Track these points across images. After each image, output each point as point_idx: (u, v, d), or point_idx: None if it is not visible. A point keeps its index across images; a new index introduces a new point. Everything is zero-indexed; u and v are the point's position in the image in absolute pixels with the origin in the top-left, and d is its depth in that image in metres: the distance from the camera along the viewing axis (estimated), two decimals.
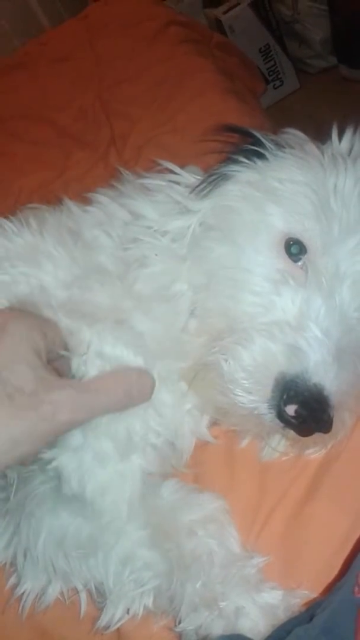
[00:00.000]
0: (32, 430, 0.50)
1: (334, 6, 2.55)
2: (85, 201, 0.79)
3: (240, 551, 0.64)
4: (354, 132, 0.73)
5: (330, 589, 0.57)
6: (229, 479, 0.69)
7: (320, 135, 0.75)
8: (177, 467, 0.70)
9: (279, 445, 0.67)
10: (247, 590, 0.59)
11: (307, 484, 0.66)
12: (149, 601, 0.63)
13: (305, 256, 0.64)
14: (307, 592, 0.60)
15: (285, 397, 0.57)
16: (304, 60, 2.83)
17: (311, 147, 0.71)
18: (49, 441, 0.53)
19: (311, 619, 0.48)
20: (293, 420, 0.58)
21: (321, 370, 0.58)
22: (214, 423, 0.70)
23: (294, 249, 0.64)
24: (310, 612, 0.51)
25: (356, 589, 0.45)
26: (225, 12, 2.60)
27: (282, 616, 0.57)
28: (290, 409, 0.57)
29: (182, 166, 0.78)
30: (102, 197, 0.77)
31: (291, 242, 0.64)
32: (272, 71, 2.74)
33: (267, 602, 0.59)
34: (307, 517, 0.64)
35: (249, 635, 0.55)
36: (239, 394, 0.59)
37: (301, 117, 2.53)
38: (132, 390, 0.59)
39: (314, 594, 0.59)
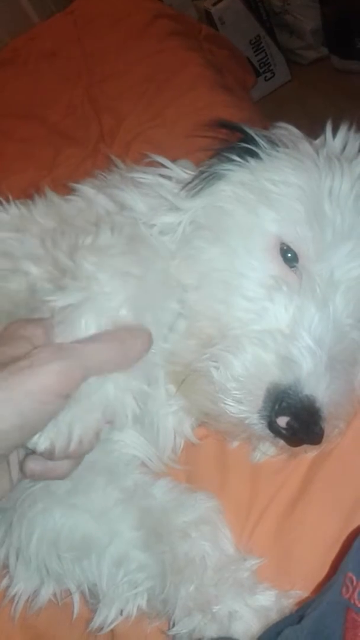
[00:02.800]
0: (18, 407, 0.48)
1: None
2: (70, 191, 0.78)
3: (233, 553, 0.64)
4: (348, 128, 0.72)
5: (321, 588, 0.57)
6: (221, 478, 0.69)
7: (312, 127, 0.74)
8: (166, 462, 0.70)
9: (269, 449, 0.66)
10: (241, 594, 0.59)
11: (298, 484, 0.66)
12: (142, 602, 0.63)
13: (299, 263, 0.63)
14: (300, 592, 0.60)
15: (277, 408, 0.57)
16: (295, 51, 2.82)
17: (305, 145, 0.70)
18: (39, 419, 0.50)
19: (300, 619, 0.48)
20: (284, 432, 0.57)
21: (313, 381, 0.57)
22: (201, 424, 0.70)
23: (289, 254, 0.63)
24: (299, 612, 0.51)
25: (344, 589, 0.45)
26: (215, 4, 2.58)
27: (275, 618, 0.57)
28: (282, 421, 0.57)
29: (172, 160, 0.76)
30: (86, 188, 0.76)
31: (285, 247, 0.64)
32: (263, 63, 2.73)
33: (260, 605, 0.59)
34: (299, 517, 0.64)
35: (242, 638, 0.55)
36: (230, 403, 0.59)
37: (293, 108, 2.53)
38: (125, 348, 0.55)
39: (306, 594, 0.60)
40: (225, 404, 0.59)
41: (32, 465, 0.54)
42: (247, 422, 0.59)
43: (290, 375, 0.57)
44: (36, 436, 0.51)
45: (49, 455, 0.52)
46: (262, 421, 0.58)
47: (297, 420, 0.57)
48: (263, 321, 0.60)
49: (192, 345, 0.64)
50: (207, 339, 0.63)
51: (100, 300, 0.57)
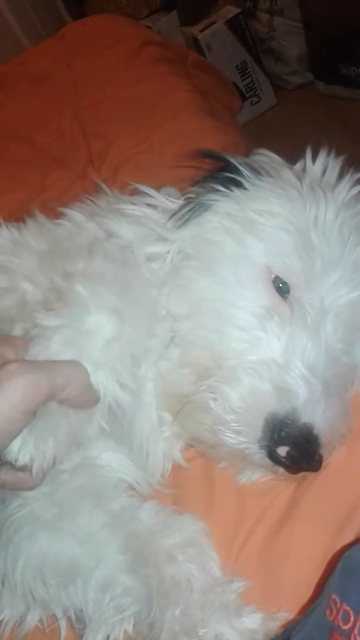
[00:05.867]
0: None
1: (309, 23, 2.59)
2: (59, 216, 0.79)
3: (220, 575, 0.63)
4: (327, 154, 0.73)
5: (307, 609, 0.57)
6: (208, 500, 0.69)
7: (297, 151, 0.75)
8: (154, 486, 0.70)
9: (255, 474, 0.66)
10: (227, 616, 0.59)
11: (284, 505, 0.66)
12: (129, 627, 0.63)
13: (290, 292, 0.64)
14: (287, 614, 0.60)
15: (276, 437, 0.58)
16: (281, 76, 2.87)
17: (288, 173, 0.71)
18: (4, 438, 0.50)
19: None
20: (284, 461, 0.58)
21: (310, 408, 0.58)
22: (189, 446, 0.70)
23: (281, 284, 0.64)
24: (285, 634, 0.51)
25: (328, 611, 0.45)
26: (202, 30, 2.64)
27: None
28: (282, 450, 0.58)
29: (158, 188, 0.77)
30: (75, 213, 0.76)
31: (276, 278, 0.64)
32: (250, 88, 2.78)
33: (246, 628, 0.58)
34: (285, 538, 0.64)
35: None
36: (229, 435, 0.59)
37: (279, 133, 2.56)
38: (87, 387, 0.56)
39: (292, 615, 0.59)
40: (224, 435, 0.60)
41: (4, 476, 0.55)
42: (246, 452, 0.60)
43: (287, 404, 0.58)
44: (15, 449, 0.51)
45: (25, 468, 0.52)
46: (262, 451, 0.59)
47: (296, 449, 0.57)
48: (257, 351, 0.61)
49: (186, 374, 0.65)
50: (202, 370, 0.63)
51: (81, 332, 0.57)
